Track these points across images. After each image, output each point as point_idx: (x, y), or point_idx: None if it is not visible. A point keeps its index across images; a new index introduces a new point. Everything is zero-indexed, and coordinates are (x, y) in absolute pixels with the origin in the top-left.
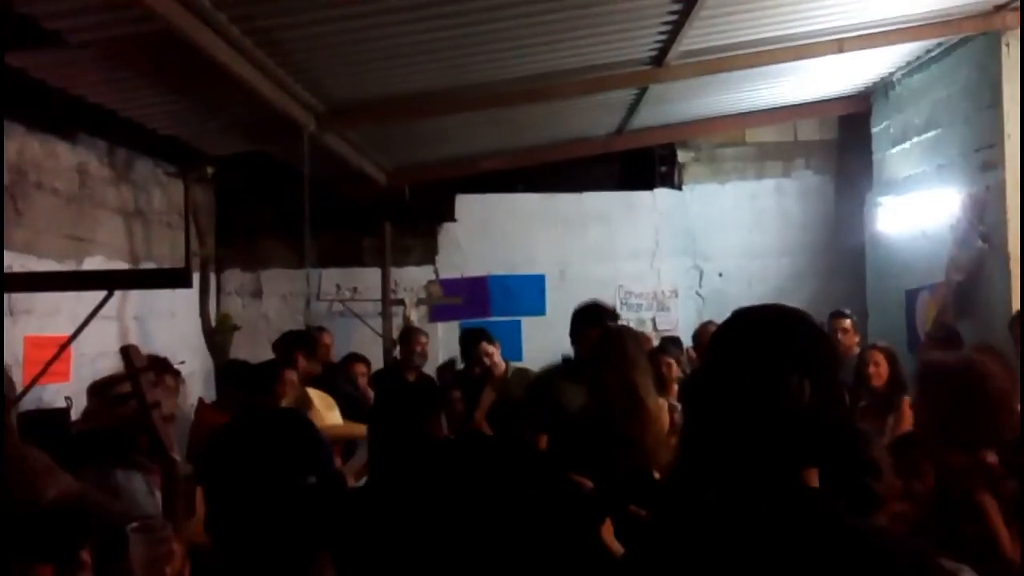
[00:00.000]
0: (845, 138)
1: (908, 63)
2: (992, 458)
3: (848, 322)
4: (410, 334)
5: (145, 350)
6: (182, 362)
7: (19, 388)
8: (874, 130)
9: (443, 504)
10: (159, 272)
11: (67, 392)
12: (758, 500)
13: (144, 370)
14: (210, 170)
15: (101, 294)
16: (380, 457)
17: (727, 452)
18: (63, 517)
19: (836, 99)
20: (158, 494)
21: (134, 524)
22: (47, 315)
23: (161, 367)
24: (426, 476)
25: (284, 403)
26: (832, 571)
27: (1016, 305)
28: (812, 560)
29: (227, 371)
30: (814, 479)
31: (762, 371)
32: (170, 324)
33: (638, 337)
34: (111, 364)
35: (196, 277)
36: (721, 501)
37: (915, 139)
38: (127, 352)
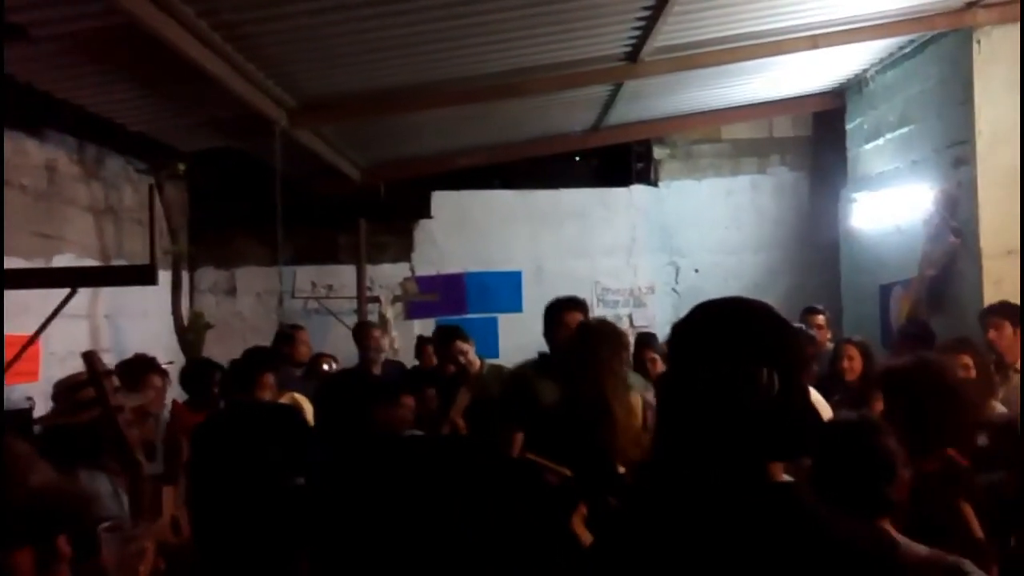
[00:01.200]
0: (819, 135)
1: (881, 60)
2: (960, 457)
3: (821, 318)
4: (362, 328)
5: (117, 349)
6: (170, 362)
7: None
8: (848, 126)
9: (390, 496)
10: (124, 269)
11: (37, 392)
12: (724, 494)
13: (107, 374)
14: (182, 167)
15: (76, 296)
16: (326, 448)
17: (695, 445)
18: (44, 504)
19: (810, 96)
20: (123, 496)
21: (105, 524)
22: (15, 314)
23: (149, 367)
24: (372, 469)
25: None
26: (793, 565)
27: (987, 299)
28: (774, 554)
29: (199, 370)
30: (779, 472)
31: (731, 364)
32: (142, 323)
33: (613, 335)
34: (81, 364)
35: (168, 275)
36: (688, 494)
37: (888, 135)
38: (89, 357)
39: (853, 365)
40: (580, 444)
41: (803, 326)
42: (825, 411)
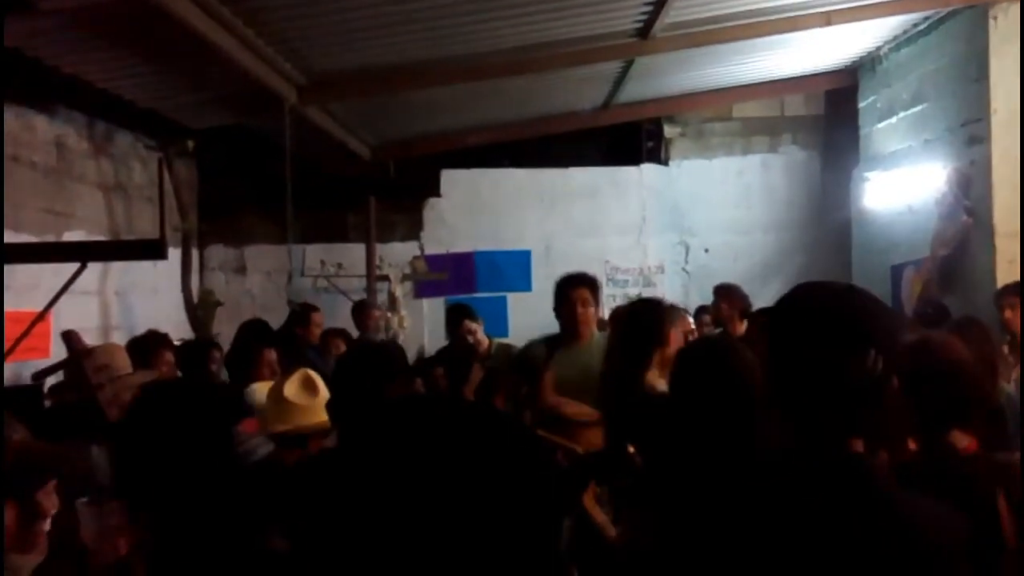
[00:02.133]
0: (832, 113)
1: (895, 37)
2: (966, 439)
3: None
4: (360, 308)
5: (126, 325)
6: (180, 340)
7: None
8: (861, 105)
9: (408, 467)
10: (133, 243)
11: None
12: (814, 469)
13: (86, 353)
14: (191, 144)
15: (86, 274)
16: (341, 422)
17: (794, 422)
18: (21, 460)
19: (823, 74)
20: None
21: (83, 499)
22: (26, 290)
23: (160, 343)
24: (387, 438)
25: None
26: (872, 541)
27: (1000, 279)
28: (857, 530)
29: (196, 349)
30: (858, 446)
31: (839, 346)
32: (152, 300)
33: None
34: (92, 340)
35: (178, 252)
36: (781, 470)
37: (902, 114)
38: (68, 337)
39: None
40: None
41: None
42: None
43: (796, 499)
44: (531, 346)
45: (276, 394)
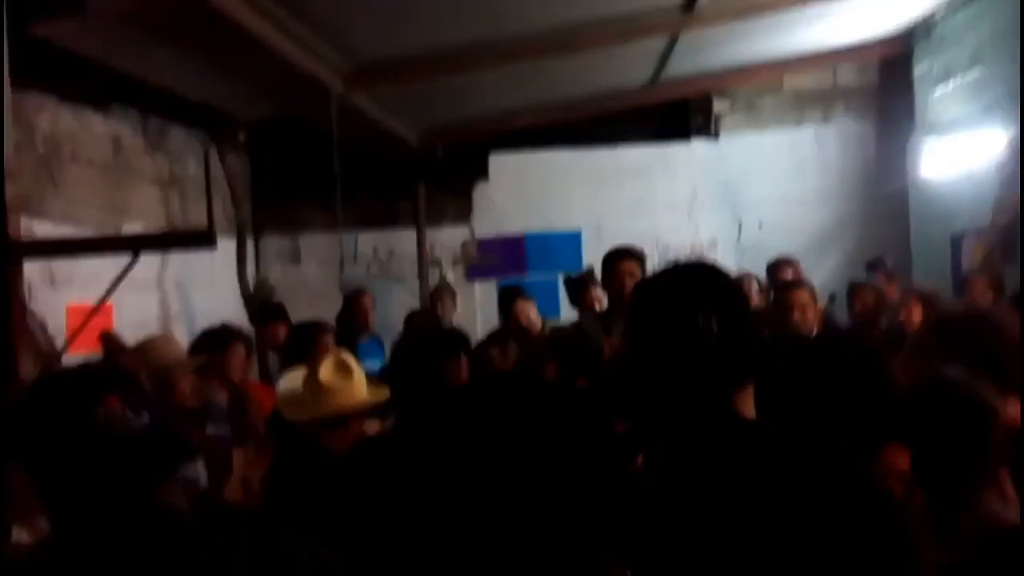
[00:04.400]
0: (886, 82)
1: (950, 1)
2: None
3: (883, 273)
4: (439, 292)
5: (185, 317)
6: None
7: (63, 357)
8: (916, 72)
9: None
10: (184, 233)
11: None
12: (694, 431)
13: (121, 352)
14: (242, 136)
15: (140, 264)
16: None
17: (661, 387)
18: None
19: (876, 42)
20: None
21: None
22: (88, 284)
23: (233, 336)
24: (447, 419)
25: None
26: (762, 497)
27: None
28: (742, 487)
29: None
30: (749, 407)
31: (671, 314)
32: (210, 291)
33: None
34: (152, 332)
35: (232, 244)
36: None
37: (959, 80)
38: (105, 338)
39: (912, 317)
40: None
41: (868, 280)
42: None
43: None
44: (584, 322)
45: (311, 379)
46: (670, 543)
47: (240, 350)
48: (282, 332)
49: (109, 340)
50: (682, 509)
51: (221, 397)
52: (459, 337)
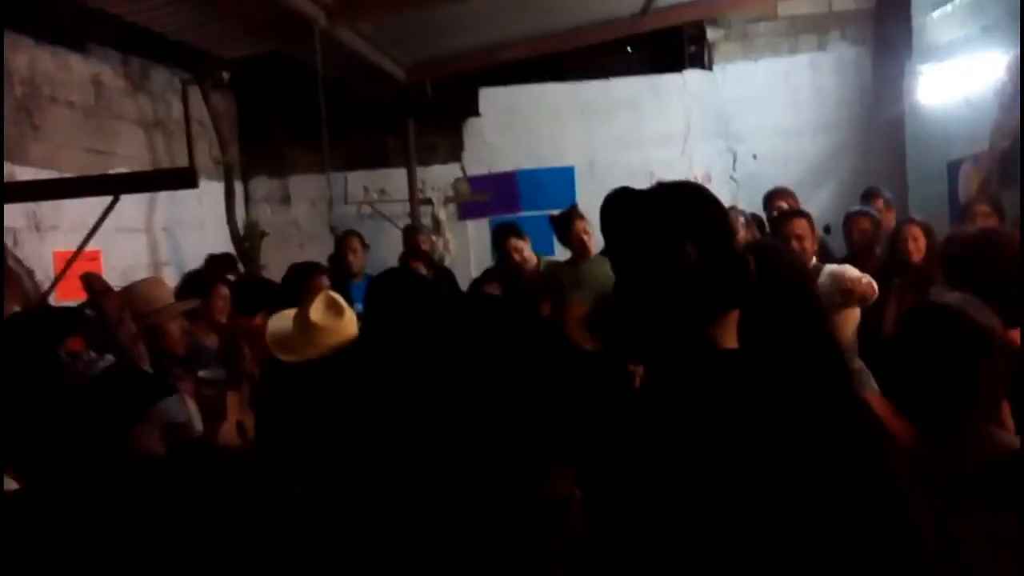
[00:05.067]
0: (883, 5)
1: None
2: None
3: (881, 202)
4: (408, 233)
5: (175, 260)
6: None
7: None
8: None
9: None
10: (164, 173)
11: None
12: (672, 362)
13: (106, 292)
14: (226, 75)
15: (128, 208)
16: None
17: (640, 317)
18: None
19: None
20: (190, 403)
21: None
22: (74, 230)
23: (225, 263)
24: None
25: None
26: (741, 430)
27: None
28: (722, 420)
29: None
30: (730, 338)
31: (648, 241)
32: (199, 234)
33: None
34: (142, 276)
35: (221, 186)
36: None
37: (957, 2)
38: (87, 279)
39: (918, 245)
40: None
41: (866, 208)
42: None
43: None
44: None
45: (302, 320)
46: (631, 473)
47: (224, 291)
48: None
49: (91, 280)
50: (649, 441)
51: (211, 340)
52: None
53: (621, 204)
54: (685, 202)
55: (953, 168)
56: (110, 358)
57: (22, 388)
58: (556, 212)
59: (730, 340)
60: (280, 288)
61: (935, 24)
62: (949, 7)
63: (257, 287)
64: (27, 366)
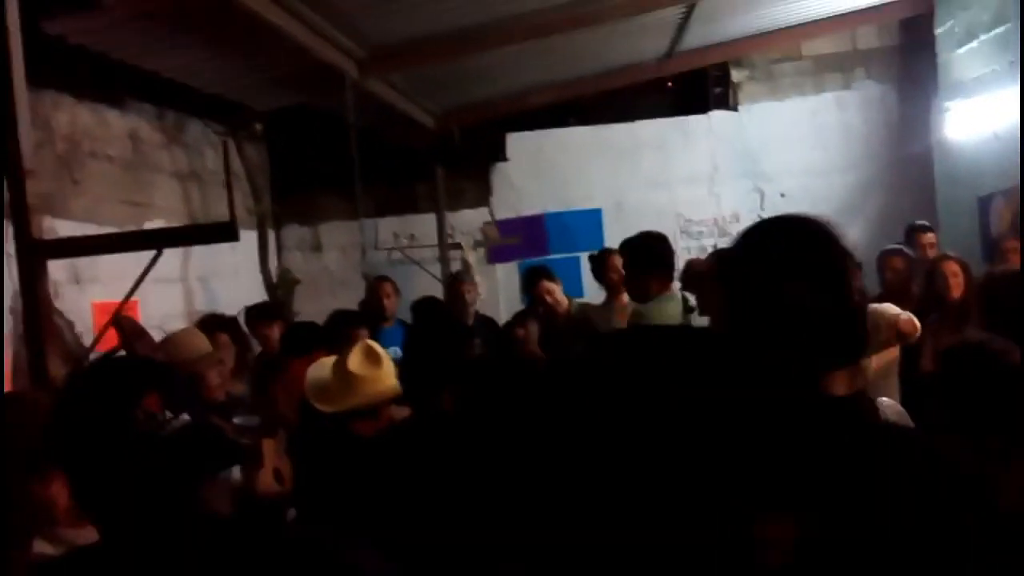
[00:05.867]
0: (907, 43)
1: None
2: None
3: (931, 236)
4: (451, 284)
5: (210, 310)
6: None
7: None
8: (938, 31)
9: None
10: (205, 227)
11: None
12: (780, 409)
13: (139, 336)
14: (259, 127)
15: (164, 259)
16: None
17: (752, 362)
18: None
19: (896, 2)
20: None
21: None
22: (113, 281)
23: (217, 325)
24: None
25: None
26: (850, 479)
27: None
28: (830, 466)
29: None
30: (841, 385)
31: (761, 278)
32: (234, 283)
33: None
34: (179, 327)
35: (254, 235)
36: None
37: (983, 37)
38: (118, 322)
39: (958, 282)
40: None
41: (899, 247)
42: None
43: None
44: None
45: (341, 369)
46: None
47: (223, 339)
48: (276, 333)
49: (122, 323)
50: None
51: (240, 388)
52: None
53: (738, 248)
54: (800, 237)
55: (984, 203)
56: (186, 418)
57: (102, 446)
58: (584, 254)
59: (841, 386)
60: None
61: (961, 60)
62: (975, 43)
63: (311, 329)
64: (104, 424)
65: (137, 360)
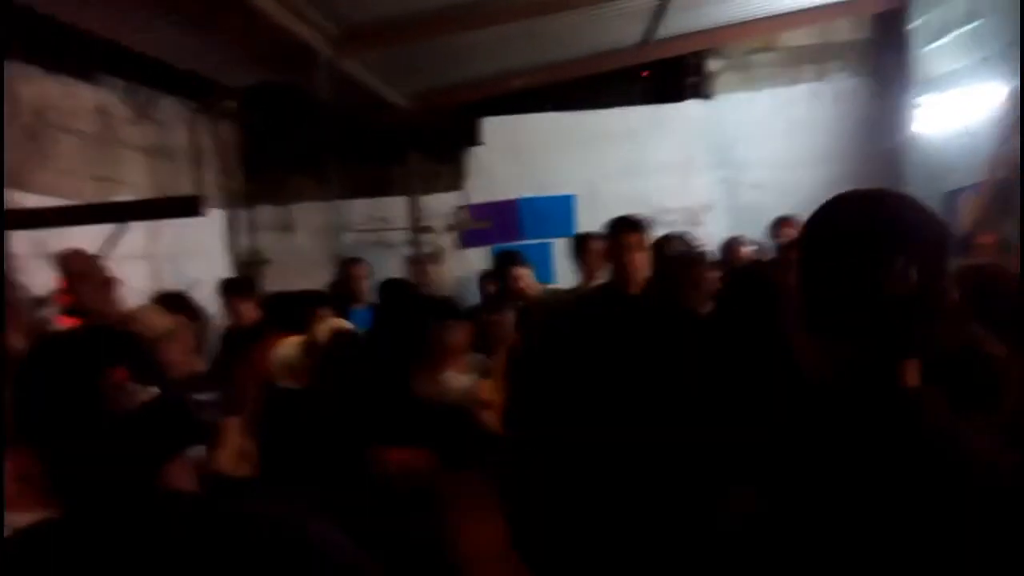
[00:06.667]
0: (881, 37)
1: None
2: None
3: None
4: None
5: (177, 288)
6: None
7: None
8: (911, 26)
9: None
10: (170, 201)
11: None
12: (848, 397)
13: (83, 276)
14: (232, 104)
15: (131, 236)
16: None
17: (823, 341)
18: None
19: None
20: None
21: None
22: None
23: (175, 303)
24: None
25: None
26: (916, 480)
27: None
28: (895, 466)
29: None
30: (913, 375)
31: (862, 252)
32: (202, 261)
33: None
34: (143, 303)
35: (224, 213)
36: (819, 400)
37: (955, 32)
38: (65, 259)
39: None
40: None
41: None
42: None
43: (838, 439)
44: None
45: (311, 347)
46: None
47: (182, 317)
48: (251, 309)
49: (68, 261)
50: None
51: (200, 366)
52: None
53: (827, 213)
54: (907, 214)
55: (952, 197)
56: (154, 390)
57: (66, 420)
58: (556, 240)
59: (914, 376)
60: (276, 315)
61: (933, 55)
62: (947, 38)
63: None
64: (69, 397)
65: (104, 329)
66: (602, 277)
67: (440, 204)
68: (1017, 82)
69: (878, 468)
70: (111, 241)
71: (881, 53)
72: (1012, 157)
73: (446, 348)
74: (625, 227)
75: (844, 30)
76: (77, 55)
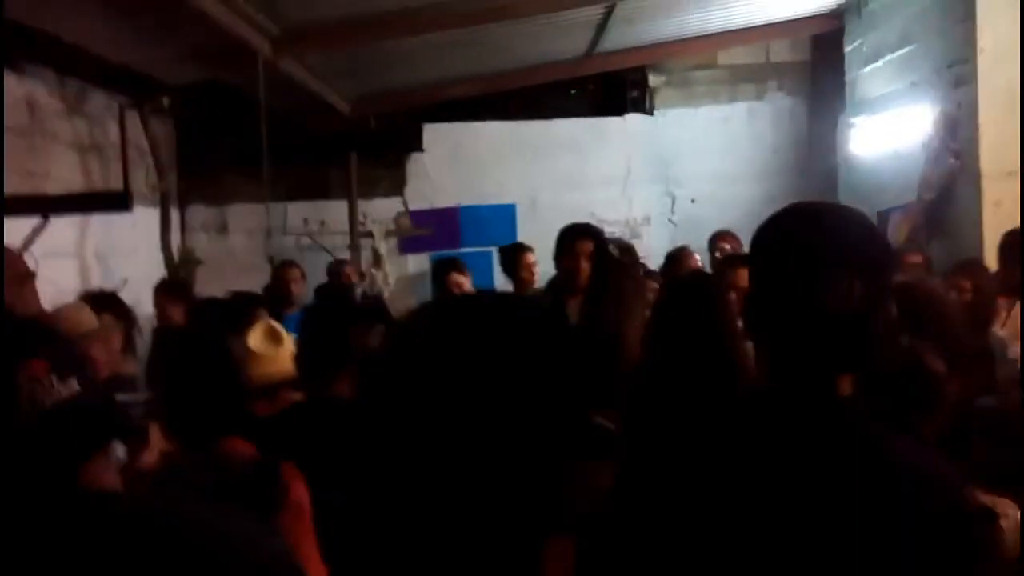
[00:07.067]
0: (818, 59)
1: None
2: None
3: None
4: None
5: (107, 287)
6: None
7: None
8: (847, 49)
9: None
10: (97, 195)
11: None
12: (788, 405)
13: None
14: (166, 101)
15: (58, 233)
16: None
17: (768, 352)
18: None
19: (808, 18)
20: None
21: None
22: None
23: (102, 302)
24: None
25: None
26: (839, 483)
27: (986, 222)
28: (829, 472)
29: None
30: (847, 386)
31: (807, 265)
32: (132, 261)
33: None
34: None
35: (156, 212)
36: (753, 403)
37: (888, 57)
38: None
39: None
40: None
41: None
42: None
43: (767, 439)
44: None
45: (240, 347)
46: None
47: (108, 318)
48: (179, 313)
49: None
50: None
51: (128, 367)
52: (375, 306)
53: (775, 225)
54: (853, 228)
55: (883, 218)
56: (73, 384)
57: None
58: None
59: (847, 388)
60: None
61: (866, 78)
62: (880, 62)
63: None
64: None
65: (23, 322)
66: (532, 289)
67: (380, 209)
68: (943, 106)
69: (803, 469)
70: (35, 235)
71: (818, 74)
72: (938, 179)
73: (368, 352)
74: (580, 234)
75: (783, 51)
76: (4, 44)
